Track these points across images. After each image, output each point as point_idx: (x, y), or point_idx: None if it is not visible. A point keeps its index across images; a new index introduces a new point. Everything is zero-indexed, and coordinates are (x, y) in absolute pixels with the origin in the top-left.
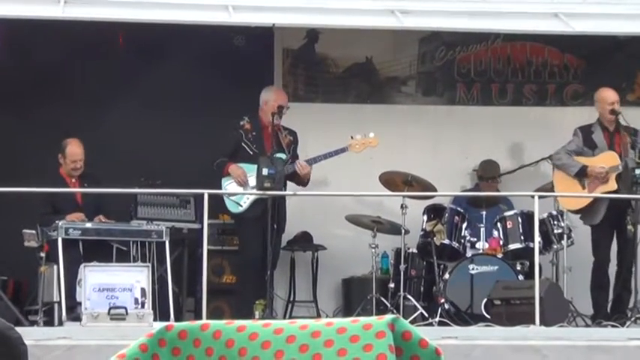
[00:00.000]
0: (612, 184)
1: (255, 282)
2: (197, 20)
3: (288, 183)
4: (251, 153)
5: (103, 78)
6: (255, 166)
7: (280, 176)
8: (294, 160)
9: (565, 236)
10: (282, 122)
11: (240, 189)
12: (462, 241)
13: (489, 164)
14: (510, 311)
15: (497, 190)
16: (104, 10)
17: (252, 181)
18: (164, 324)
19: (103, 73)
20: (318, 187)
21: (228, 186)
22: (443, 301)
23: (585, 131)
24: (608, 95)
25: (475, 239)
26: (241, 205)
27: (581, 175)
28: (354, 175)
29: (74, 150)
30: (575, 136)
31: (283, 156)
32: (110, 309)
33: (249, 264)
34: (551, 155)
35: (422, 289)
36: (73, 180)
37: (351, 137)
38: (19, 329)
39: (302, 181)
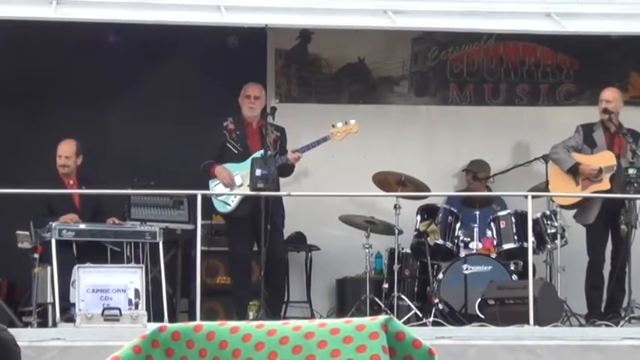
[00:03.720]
0: (606, 184)
1: (248, 282)
2: (189, 21)
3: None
4: (235, 152)
5: (98, 79)
6: (241, 165)
7: (273, 177)
8: (282, 155)
9: (559, 236)
10: (272, 121)
11: (227, 190)
12: (456, 241)
13: (478, 163)
14: (504, 311)
15: (488, 190)
16: (96, 11)
17: (239, 179)
18: (158, 325)
19: (98, 74)
20: (311, 187)
21: (216, 187)
22: (437, 301)
23: (587, 129)
24: (602, 92)
25: (469, 239)
26: (229, 205)
27: (574, 171)
28: (348, 175)
29: (62, 147)
30: (577, 132)
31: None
32: (104, 310)
33: (240, 263)
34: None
35: (416, 289)
36: (71, 182)
37: (332, 126)
38: (12, 330)
39: (289, 171)
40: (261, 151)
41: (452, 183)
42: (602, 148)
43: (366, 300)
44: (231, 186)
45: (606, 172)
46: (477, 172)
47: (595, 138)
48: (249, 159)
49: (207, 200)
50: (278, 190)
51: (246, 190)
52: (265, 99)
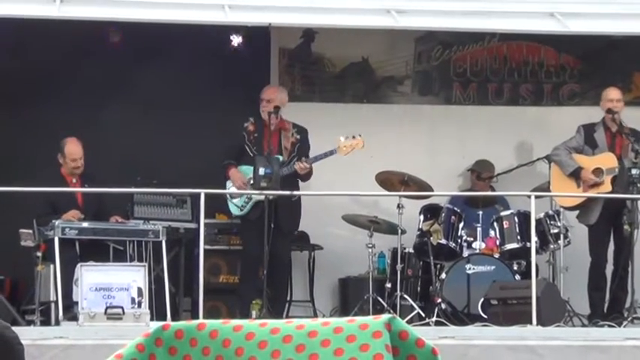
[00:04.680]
0: (607, 186)
1: (254, 282)
2: (193, 20)
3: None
4: (251, 155)
5: (100, 77)
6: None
7: (277, 176)
8: (299, 159)
9: (562, 236)
10: (292, 120)
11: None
12: (459, 240)
13: (483, 163)
14: (507, 311)
15: (492, 190)
16: (100, 10)
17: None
18: (161, 323)
19: (100, 72)
20: (314, 187)
21: (231, 188)
22: (440, 300)
23: (588, 130)
24: (607, 92)
25: (472, 239)
26: (241, 210)
27: (576, 175)
28: (351, 174)
29: (73, 149)
30: (578, 133)
31: (279, 158)
32: (107, 308)
33: (250, 264)
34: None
35: (419, 288)
36: (74, 180)
37: (340, 139)
38: (15, 329)
39: (303, 178)
40: (278, 156)
41: (455, 183)
42: (603, 149)
43: (368, 299)
44: (243, 189)
45: (607, 174)
46: (481, 171)
47: (596, 138)
48: None
49: (212, 199)
50: (282, 189)
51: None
52: (280, 100)
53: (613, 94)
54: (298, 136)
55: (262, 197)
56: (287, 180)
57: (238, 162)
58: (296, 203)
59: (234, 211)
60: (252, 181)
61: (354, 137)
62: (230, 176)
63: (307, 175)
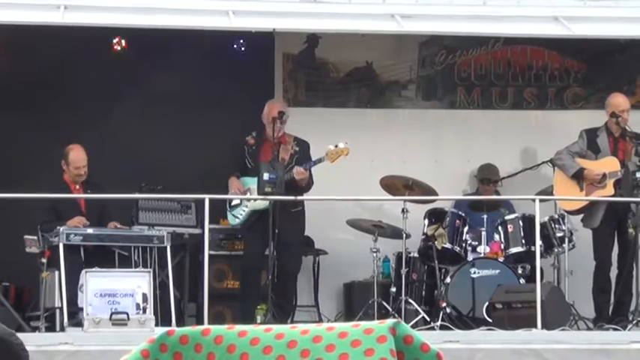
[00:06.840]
0: (609, 190)
1: (258, 287)
2: (197, 25)
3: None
4: (249, 167)
5: (104, 83)
6: (254, 179)
7: (281, 181)
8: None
9: (566, 239)
10: (293, 133)
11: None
12: (464, 244)
13: (488, 168)
14: (512, 315)
15: (497, 194)
16: (104, 16)
17: (253, 192)
18: (166, 329)
19: (104, 77)
20: (319, 192)
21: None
22: (444, 305)
23: (590, 134)
24: (615, 98)
25: (476, 243)
26: (238, 218)
27: (578, 177)
28: (355, 179)
29: (77, 156)
30: (580, 138)
31: None
32: (112, 314)
33: (252, 269)
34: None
35: (423, 293)
36: (77, 187)
37: (330, 147)
38: (20, 335)
39: (300, 186)
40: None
41: (459, 187)
42: (605, 154)
43: (373, 304)
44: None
45: (610, 177)
46: (486, 177)
47: (599, 143)
48: None
49: (216, 204)
50: (286, 195)
51: (256, 202)
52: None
53: (621, 100)
54: (297, 148)
55: (258, 206)
56: (289, 189)
57: (242, 173)
58: (298, 214)
59: (232, 221)
60: (249, 191)
61: (336, 146)
62: (229, 184)
63: (304, 182)
